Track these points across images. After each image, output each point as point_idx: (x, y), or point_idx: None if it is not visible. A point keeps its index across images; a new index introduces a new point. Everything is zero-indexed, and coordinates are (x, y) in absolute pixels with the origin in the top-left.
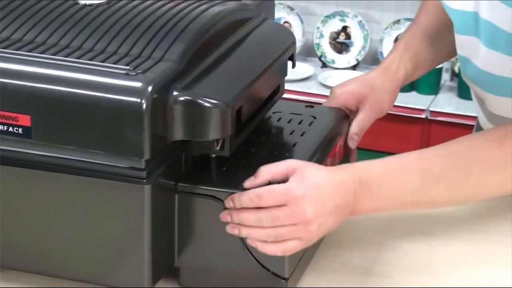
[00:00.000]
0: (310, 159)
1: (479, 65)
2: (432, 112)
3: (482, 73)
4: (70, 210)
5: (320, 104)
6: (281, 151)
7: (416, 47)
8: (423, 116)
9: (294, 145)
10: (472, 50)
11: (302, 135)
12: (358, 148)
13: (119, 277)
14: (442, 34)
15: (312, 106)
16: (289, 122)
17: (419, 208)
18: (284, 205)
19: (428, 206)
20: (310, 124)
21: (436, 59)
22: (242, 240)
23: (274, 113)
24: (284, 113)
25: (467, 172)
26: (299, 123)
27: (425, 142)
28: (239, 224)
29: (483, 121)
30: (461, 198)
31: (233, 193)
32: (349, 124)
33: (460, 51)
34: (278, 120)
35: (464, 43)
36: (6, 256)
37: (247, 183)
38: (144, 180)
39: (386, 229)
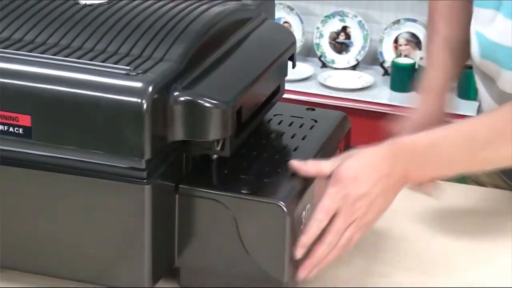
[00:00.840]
0: None
1: (492, 38)
2: None
3: (496, 46)
4: (71, 210)
5: (320, 104)
6: (282, 155)
7: (446, 62)
8: None
9: (295, 149)
10: (486, 22)
11: (303, 138)
12: (357, 148)
13: (119, 277)
14: (461, 44)
15: (313, 109)
16: (290, 125)
17: (470, 171)
18: (336, 213)
19: (478, 169)
20: (311, 127)
21: (457, 69)
22: (241, 241)
23: (275, 115)
24: (285, 116)
25: None
26: (300, 126)
27: None
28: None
29: (489, 107)
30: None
31: (234, 197)
32: (350, 128)
33: (475, 24)
34: (279, 123)
35: (481, 16)
36: (6, 256)
37: (295, 164)
38: (145, 180)
39: (386, 230)
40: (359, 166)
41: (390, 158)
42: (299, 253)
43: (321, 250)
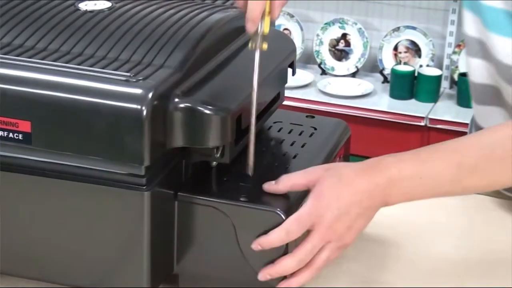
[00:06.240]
0: None
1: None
2: (431, 119)
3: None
4: (70, 217)
5: (319, 111)
6: (281, 162)
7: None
8: (422, 123)
9: (295, 156)
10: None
11: (302, 146)
12: (356, 155)
13: (118, 284)
14: None
15: (313, 117)
16: (289, 132)
17: (452, 195)
18: (310, 230)
19: (463, 193)
20: (311, 135)
21: None
22: (240, 248)
23: (275, 123)
24: (285, 123)
25: (505, 162)
26: (300, 134)
27: None
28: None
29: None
30: (498, 185)
31: (233, 204)
32: (349, 136)
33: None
34: (279, 131)
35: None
36: (6, 262)
37: (268, 187)
38: (144, 187)
39: (387, 238)
40: (341, 185)
41: (373, 179)
42: (254, 246)
43: (286, 263)
